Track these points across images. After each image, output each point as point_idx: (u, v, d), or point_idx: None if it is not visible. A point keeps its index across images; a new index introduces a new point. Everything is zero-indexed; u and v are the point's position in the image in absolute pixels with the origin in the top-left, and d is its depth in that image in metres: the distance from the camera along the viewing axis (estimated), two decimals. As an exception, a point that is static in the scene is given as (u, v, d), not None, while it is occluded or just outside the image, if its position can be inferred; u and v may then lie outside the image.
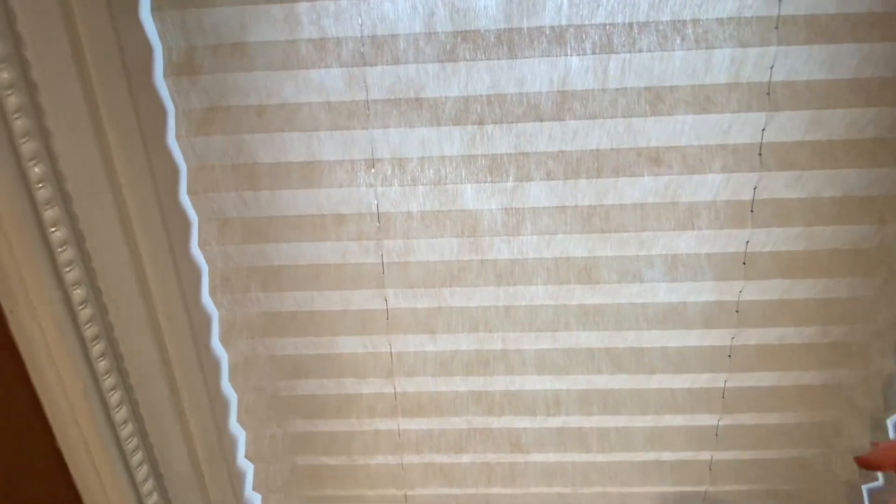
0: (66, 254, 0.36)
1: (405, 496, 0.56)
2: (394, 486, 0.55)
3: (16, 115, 0.32)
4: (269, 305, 0.48)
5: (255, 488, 0.55)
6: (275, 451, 0.54)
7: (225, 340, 0.49)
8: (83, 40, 0.35)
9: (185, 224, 0.45)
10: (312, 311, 0.49)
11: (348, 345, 0.50)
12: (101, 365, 0.40)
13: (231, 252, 0.46)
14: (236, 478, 0.54)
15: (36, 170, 0.33)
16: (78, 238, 0.37)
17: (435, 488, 0.55)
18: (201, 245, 0.46)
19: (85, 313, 0.38)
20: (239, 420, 0.52)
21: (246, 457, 0.54)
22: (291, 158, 0.43)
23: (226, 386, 0.51)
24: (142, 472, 0.45)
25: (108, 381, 0.41)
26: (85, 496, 0.43)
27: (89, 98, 0.36)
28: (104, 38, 0.36)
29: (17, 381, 0.38)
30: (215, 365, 0.50)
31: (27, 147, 0.33)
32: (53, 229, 0.35)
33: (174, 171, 0.43)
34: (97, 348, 0.39)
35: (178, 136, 0.42)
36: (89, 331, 0.39)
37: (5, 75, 0.31)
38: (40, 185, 0.34)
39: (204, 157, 0.43)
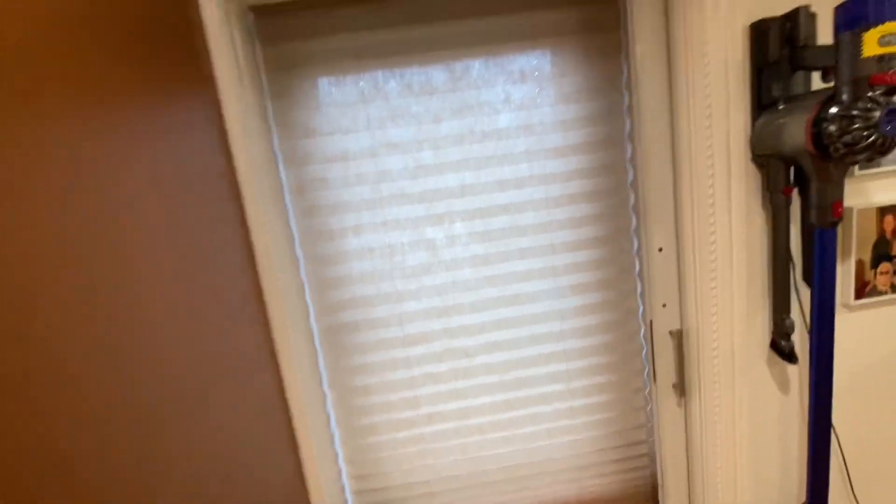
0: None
1: (416, 396, 1.05)
2: (406, 388, 1.04)
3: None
4: (337, 295, 0.99)
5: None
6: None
7: (318, 319, 0.99)
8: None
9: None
10: (359, 295, 1.00)
11: (380, 324, 1.01)
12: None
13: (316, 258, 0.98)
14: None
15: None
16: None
17: (429, 387, 1.04)
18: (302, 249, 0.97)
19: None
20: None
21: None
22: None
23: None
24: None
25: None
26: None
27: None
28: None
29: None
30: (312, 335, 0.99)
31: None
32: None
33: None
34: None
35: (280, 142, 0.95)
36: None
37: None
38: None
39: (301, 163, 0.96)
